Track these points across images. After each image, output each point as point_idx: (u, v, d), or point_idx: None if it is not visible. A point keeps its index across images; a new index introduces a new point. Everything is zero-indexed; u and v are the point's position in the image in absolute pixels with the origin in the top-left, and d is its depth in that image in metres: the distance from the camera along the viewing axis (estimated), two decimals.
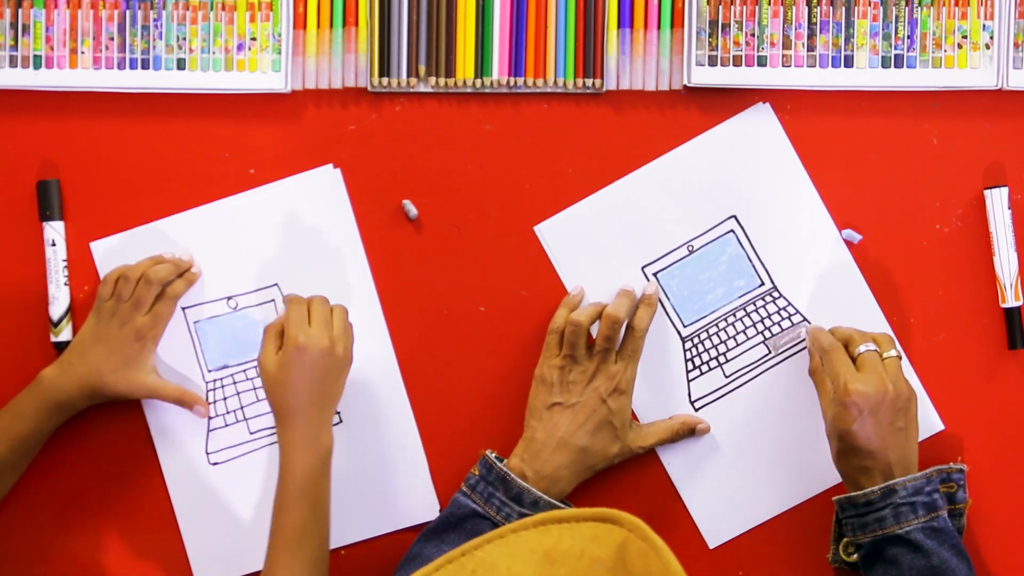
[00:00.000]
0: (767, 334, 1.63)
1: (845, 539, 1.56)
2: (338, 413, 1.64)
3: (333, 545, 1.61)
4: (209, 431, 1.64)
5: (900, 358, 1.54)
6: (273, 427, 1.63)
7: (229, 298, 1.64)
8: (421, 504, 1.63)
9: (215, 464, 1.64)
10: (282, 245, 1.63)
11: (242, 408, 1.64)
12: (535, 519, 1.15)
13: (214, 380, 1.64)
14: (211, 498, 1.64)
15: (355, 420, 1.64)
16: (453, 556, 1.14)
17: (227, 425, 1.64)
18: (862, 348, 1.54)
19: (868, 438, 1.50)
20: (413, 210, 1.62)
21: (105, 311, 1.59)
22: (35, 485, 1.63)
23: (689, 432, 1.62)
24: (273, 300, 1.64)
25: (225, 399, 1.64)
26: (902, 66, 1.62)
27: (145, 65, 1.62)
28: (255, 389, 1.64)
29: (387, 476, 1.63)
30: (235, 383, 1.64)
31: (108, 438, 1.63)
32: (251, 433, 1.63)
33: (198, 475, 1.64)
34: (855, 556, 1.55)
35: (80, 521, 1.64)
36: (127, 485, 1.64)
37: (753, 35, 1.61)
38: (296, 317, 1.53)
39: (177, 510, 1.64)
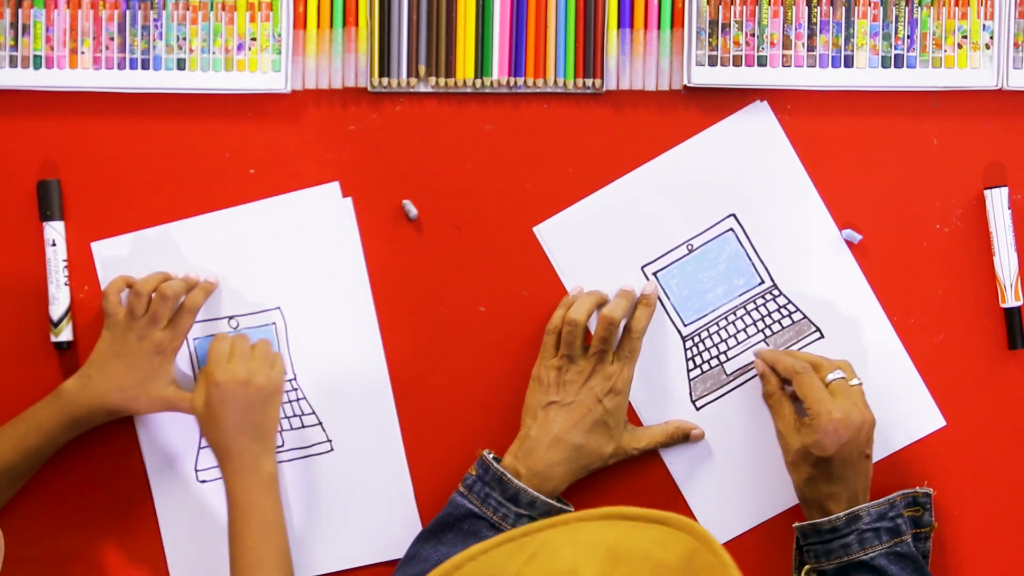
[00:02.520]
0: (767, 332, 1.64)
1: (807, 566, 1.55)
2: (329, 441, 1.64)
3: (313, 572, 1.63)
4: (200, 448, 1.64)
5: (862, 384, 1.55)
6: None
7: (231, 318, 1.63)
8: (404, 539, 1.61)
9: (203, 482, 1.64)
10: (287, 264, 1.63)
11: None
12: (603, 511, 1.12)
13: None
14: (197, 515, 1.63)
15: (345, 450, 1.64)
16: (514, 535, 1.11)
17: None
18: (832, 376, 1.54)
19: (844, 465, 1.51)
20: (413, 210, 1.62)
21: (119, 326, 1.58)
22: (24, 496, 1.63)
23: (683, 437, 1.62)
24: (274, 323, 1.63)
25: None
26: (902, 66, 1.62)
27: (145, 65, 1.62)
28: None
29: (372, 508, 1.63)
30: None
31: (99, 450, 1.63)
32: None
33: (186, 492, 1.63)
34: None
35: (65, 531, 1.63)
36: (115, 497, 1.63)
37: (753, 35, 1.61)
38: (215, 355, 1.57)
39: (162, 525, 1.63)
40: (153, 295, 1.58)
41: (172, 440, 1.63)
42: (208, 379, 1.56)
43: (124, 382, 1.57)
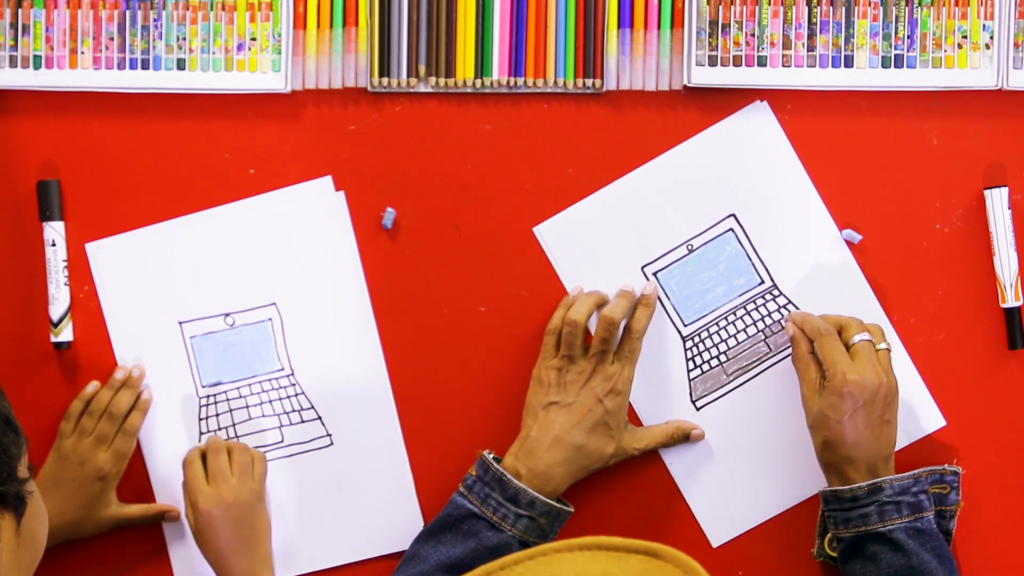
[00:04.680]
0: (767, 332, 1.64)
1: (830, 534, 1.56)
2: (329, 435, 1.64)
3: (314, 566, 1.63)
4: None
5: (890, 350, 1.55)
6: (265, 446, 1.63)
7: (226, 315, 1.63)
8: (405, 532, 1.62)
9: None
10: (281, 260, 1.63)
11: (234, 425, 1.64)
12: (581, 542, 1.07)
13: (207, 396, 1.64)
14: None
15: (345, 444, 1.64)
16: (492, 569, 1.06)
17: None
18: (857, 338, 1.54)
19: (857, 430, 1.51)
20: (389, 220, 1.62)
21: (66, 449, 1.58)
22: None
23: (684, 438, 1.62)
24: (270, 319, 1.63)
25: (217, 415, 1.64)
26: (902, 66, 1.62)
27: (145, 65, 1.62)
28: (247, 407, 1.64)
29: (373, 501, 1.63)
30: (228, 400, 1.64)
31: None
32: None
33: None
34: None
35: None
36: (117, 498, 1.63)
37: (753, 35, 1.61)
38: (192, 480, 1.56)
39: (165, 525, 1.64)
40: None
41: (174, 440, 1.63)
42: (193, 508, 1.55)
43: (65, 508, 1.57)
